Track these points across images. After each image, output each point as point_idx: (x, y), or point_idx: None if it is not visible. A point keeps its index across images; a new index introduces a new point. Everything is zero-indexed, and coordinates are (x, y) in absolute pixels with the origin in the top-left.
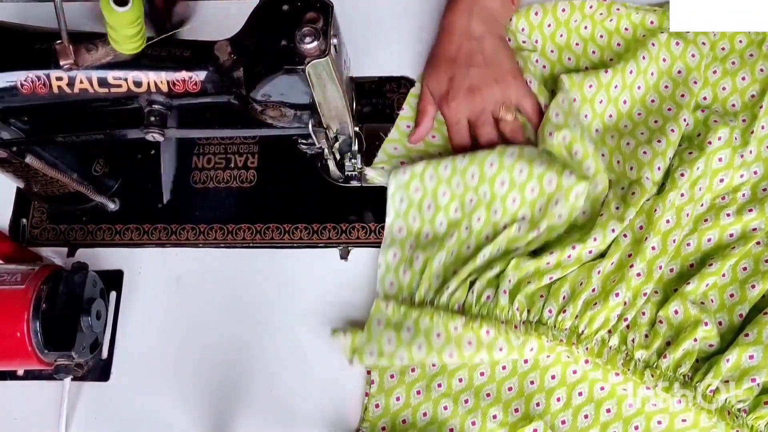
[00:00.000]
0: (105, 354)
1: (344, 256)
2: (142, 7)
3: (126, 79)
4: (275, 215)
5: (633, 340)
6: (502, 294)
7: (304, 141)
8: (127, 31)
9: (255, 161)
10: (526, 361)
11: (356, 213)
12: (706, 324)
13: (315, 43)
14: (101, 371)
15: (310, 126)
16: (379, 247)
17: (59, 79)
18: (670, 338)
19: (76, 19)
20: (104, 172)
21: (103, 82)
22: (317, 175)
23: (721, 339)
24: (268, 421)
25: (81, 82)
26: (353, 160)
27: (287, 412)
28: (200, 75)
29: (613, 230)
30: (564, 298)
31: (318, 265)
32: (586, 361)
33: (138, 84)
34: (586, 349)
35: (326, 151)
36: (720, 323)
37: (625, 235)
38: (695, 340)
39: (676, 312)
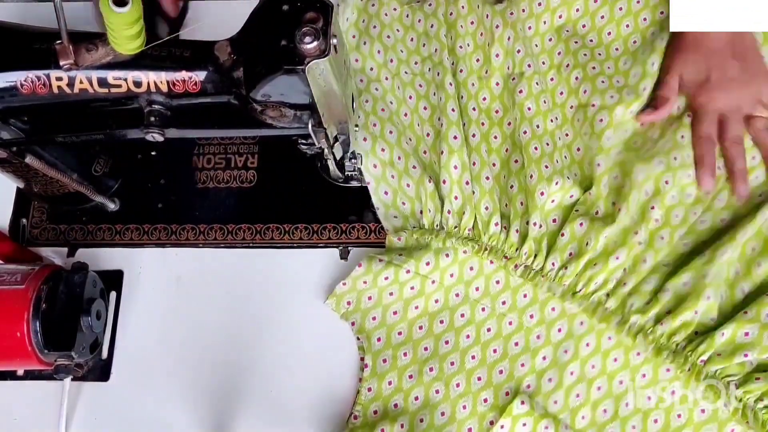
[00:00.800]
0: (105, 354)
1: (344, 256)
2: (141, 7)
3: (126, 79)
4: (275, 215)
5: (632, 305)
6: (514, 233)
7: (304, 141)
8: (126, 32)
9: (255, 161)
10: (516, 344)
11: (356, 213)
12: (708, 297)
13: (315, 43)
14: (101, 371)
15: (310, 126)
16: (378, 247)
17: (59, 79)
18: (670, 308)
19: (76, 19)
20: (104, 172)
21: (103, 82)
22: (317, 175)
23: (720, 314)
24: (268, 421)
25: (81, 82)
26: (353, 160)
27: (287, 411)
28: (200, 75)
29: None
30: (570, 254)
31: (318, 265)
32: (581, 324)
33: (138, 84)
34: (581, 306)
35: (326, 151)
36: (721, 297)
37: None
38: (696, 312)
39: (684, 284)
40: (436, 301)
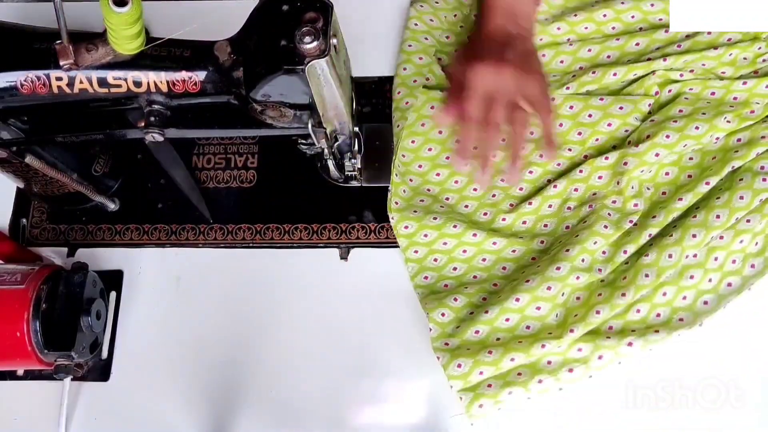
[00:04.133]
0: (105, 354)
1: (344, 256)
2: (141, 7)
3: (126, 79)
4: (275, 215)
5: None
6: None
7: (304, 141)
8: (126, 31)
9: (255, 161)
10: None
11: (356, 213)
12: None
13: (315, 43)
14: (101, 371)
15: (310, 126)
16: (378, 247)
17: (59, 79)
18: None
19: (76, 19)
20: (104, 172)
21: (103, 82)
22: (317, 175)
23: None
24: (268, 421)
25: (81, 82)
26: (353, 160)
27: (287, 411)
28: (200, 75)
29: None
30: None
31: (318, 265)
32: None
33: (138, 84)
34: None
35: (326, 151)
36: None
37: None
38: None
39: None
40: None
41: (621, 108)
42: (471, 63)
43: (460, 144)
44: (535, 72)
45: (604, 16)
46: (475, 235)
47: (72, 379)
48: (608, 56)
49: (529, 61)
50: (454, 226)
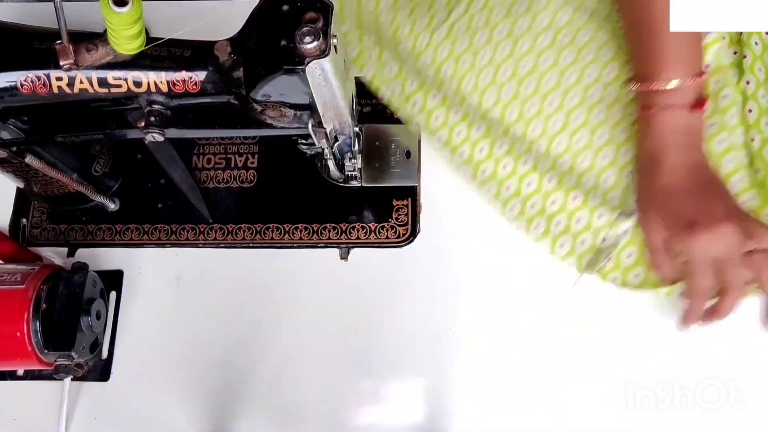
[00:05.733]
0: (105, 354)
1: (344, 256)
2: (141, 7)
3: (126, 79)
4: (275, 215)
5: None
6: None
7: (304, 141)
8: (126, 32)
9: (255, 161)
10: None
11: (356, 213)
12: None
13: (315, 43)
14: (101, 371)
15: (310, 126)
16: (378, 247)
17: (59, 79)
18: None
19: (76, 19)
20: (104, 172)
21: (103, 82)
22: (317, 175)
23: None
24: (268, 421)
25: (81, 82)
26: (353, 160)
27: (287, 411)
28: (200, 75)
29: None
30: None
31: (318, 265)
32: None
33: (138, 84)
34: None
35: (326, 151)
36: None
37: None
38: None
39: None
40: None
41: None
42: (688, 233)
43: (689, 316)
44: (738, 207)
45: None
46: None
47: (72, 379)
48: None
49: (726, 192)
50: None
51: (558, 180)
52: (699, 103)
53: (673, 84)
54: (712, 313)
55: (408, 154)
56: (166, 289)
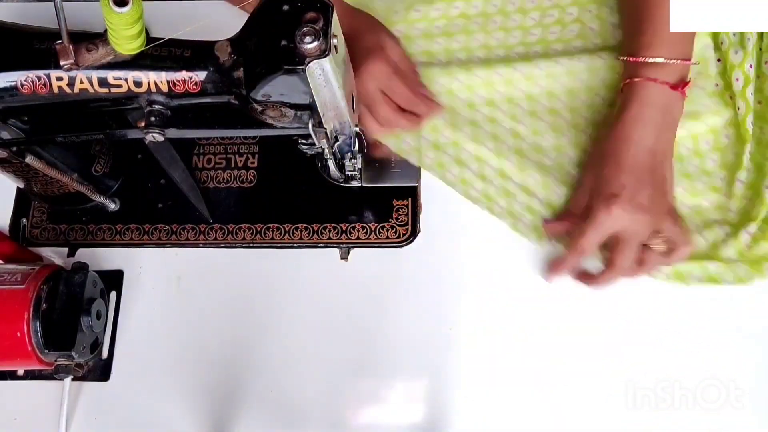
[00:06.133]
0: (105, 354)
1: (344, 256)
2: (141, 7)
3: (126, 79)
4: (275, 215)
5: None
6: None
7: (304, 141)
8: (127, 32)
9: (255, 161)
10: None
11: (356, 213)
12: None
13: (315, 43)
14: (101, 371)
15: (310, 126)
16: (378, 247)
17: (59, 79)
18: None
19: (76, 19)
20: (104, 172)
21: (103, 82)
22: (317, 175)
23: None
24: (268, 421)
25: (81, 82)
26: (353, 160)
27: (287, 412)
28: (200, 75)
29: None
30: None
31: (318, 265)
32: None
33: (138, 84)
34: None
35: (326, 151)
36: None
37: None
38: None
39: None
40: None
41: None
42: (606, 200)
43: (560, 264)
44: (669, 206)
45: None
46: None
47: (72, 379)
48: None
49: (665, 189)
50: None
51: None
52: (682, 83)
53: (661, 59)
54: (587, 278)
55: None
56: (166, 289)
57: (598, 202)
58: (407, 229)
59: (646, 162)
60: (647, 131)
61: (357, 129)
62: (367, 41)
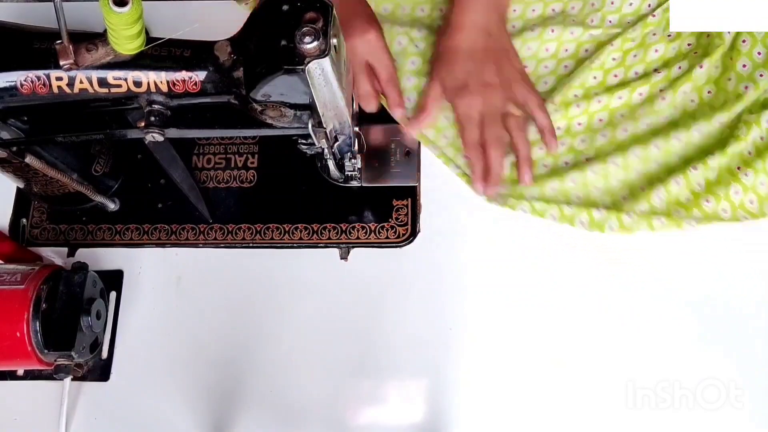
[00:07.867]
0: (105, 354)
1: (344, 256)
2: (141, 7)
3: (126, 79)
4: (275, 215)
5: None
6: None
7: (304, 141)
8: (126, 31)
9: (255, 161)
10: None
11: (356, 213)
12: None
13: (315, 43)
14: (101, 371)
15: (310, 126)
16: (378, 247)
17: (59, 79)
18: None
19: (76, 19)
20: (104, 172)
21: (103, 82)
22: (317, 175)
23: None
24: (268, 421)
25: (81, 82)
26: (353, 160)
27: (287, 412)
28: (200, 75)
29: None
30: None
31: (318, 265)
32: None
33: (138, 84)
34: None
35: (326, 151)
36: None
37: None
38: None
39: None
40: None
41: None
42: (456, 95)
43: (474, 168)
44: (515, 73)
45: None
46: None
47: (72, 379)
48: (586, 50)
49: (508, 59)
50: None
51: None
52: None
53: None
54: (487, 174)
55: (408, 154)
56: (166, 289)
57: (452, 96)
58: (407, 229)
59: (480, 42)
60: (477, 15)
61: (357, 129)
62: (362, 13)
